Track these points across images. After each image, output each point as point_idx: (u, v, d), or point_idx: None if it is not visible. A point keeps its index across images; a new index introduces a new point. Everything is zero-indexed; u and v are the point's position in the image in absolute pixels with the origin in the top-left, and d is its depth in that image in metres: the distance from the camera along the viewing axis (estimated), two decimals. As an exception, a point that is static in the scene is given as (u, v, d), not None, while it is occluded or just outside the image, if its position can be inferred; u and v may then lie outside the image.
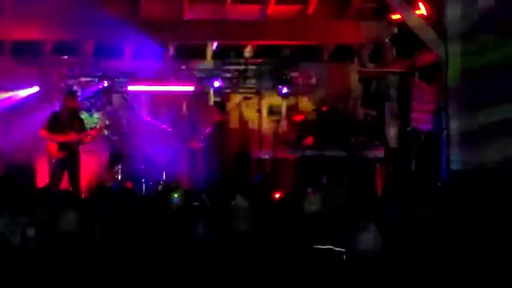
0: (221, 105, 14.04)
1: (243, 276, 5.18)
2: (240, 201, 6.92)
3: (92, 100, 14.58)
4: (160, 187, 12.64)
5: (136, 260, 5.34)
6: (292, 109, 14.25)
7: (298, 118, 13.46)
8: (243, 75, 15.11)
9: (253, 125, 14.87)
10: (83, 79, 14.55)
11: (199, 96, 14.88)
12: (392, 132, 14.12)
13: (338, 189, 8.48)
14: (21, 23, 13.80)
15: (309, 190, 8.33)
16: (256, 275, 5.22)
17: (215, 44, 14.95)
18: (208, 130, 13.68)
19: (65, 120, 12.64)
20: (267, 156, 13.01)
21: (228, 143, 13.93)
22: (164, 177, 13.87)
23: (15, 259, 5.42)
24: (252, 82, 15.22)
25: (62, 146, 12.55)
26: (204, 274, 5.17)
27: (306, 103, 14.72)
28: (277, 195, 9.42)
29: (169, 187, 10.35)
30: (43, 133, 12.69)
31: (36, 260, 5.44)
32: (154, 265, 5.30)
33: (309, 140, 12.68)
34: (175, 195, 8.39)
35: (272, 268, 5.36)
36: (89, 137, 12.82)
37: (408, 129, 13.27)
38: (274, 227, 6.51)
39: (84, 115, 13.64)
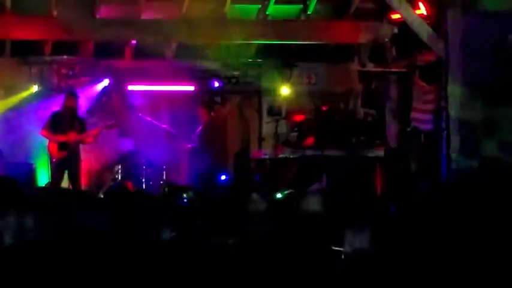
0: (208, 105, 14.01)
1: (245, 275, 5.18)
2: (258, 200, 6.89)
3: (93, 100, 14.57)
4: (167, 188, 12.61)
5: (153, 260, 5.35)
6: (293, 109, 14.25)
7: (299, 118, 13.44)
8: (243, 75, 15.11)
9: (253, 125, 14.87)
10: (83, 79, 14.53)
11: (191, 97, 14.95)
12: (392, 132, 14.13)
13: (338, 189, 8.48)
14: (21, 23, 13.81)
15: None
16: (257, 274, 5.23)
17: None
18: (198, 130, 13.69)
19: (65, 120, 12.65)
20: (267, 156, 12.99)
21: (220, 142, 13.93)
22: (164, 177, 13.90)
23: (10, 259, 5.42)
24: (252, 82, 15.22)
25: (62, 146, 12.56)
26: (209, 273, 5.18)
27: (306, 103, 14.72)
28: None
29: (178, 188, 10.36)
30: (43, 133, 12.70)
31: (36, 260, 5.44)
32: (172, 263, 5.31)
33: (310, 141, 12.67)
34: (185, 195, 8.41)
35: (272, 268, 5.36)
36: (89, 137, 12.83)
37: (408, 129, 13.27)
38: (275, 226, 6.51)
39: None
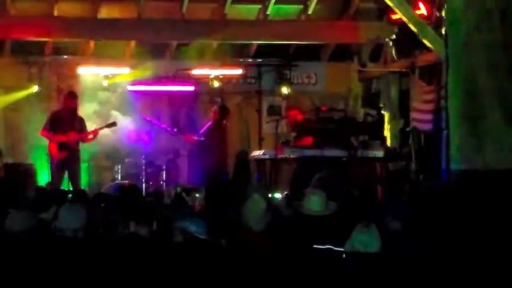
0: (223, 106, 14.03)
1: (246, 275, 5.19)
2: (258, 200, 6.90)
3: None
4: (178, 188, 12.57)
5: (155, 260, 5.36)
6: (293, 109, 14.24)
7: (299, 117, 13.42)
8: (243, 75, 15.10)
9: (253, 125, 14.87)
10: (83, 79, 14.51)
11: (200, 95, 14.95)
12: (392, 132, 14.13)
13: (338, 189, 8.46)
14: (21, 23, 13.81)
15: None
16: (257, 274, 5.23)
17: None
18: (206, 127, 13.69)
19: (65, 120, 12.65)
20: (267, 156, 12.97)
21: (225, 143, 13.92)
22: (164, 177, 13.89)
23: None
24: (252, 82, 15.22)
25: (62, 146, 12.56)
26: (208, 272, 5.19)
27: (306, 103, 14.74)
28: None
29: (189, 188, 10.37)
30: (44, 134, 12.70)
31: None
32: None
33: (308, 140, 12.64)
34: (197, 196, 8.42)
35: (273, 267, 5.36)
36: (90, 136, 12.84)
37: (408, 129, 13.26)
38: (275, 227, 6.51)
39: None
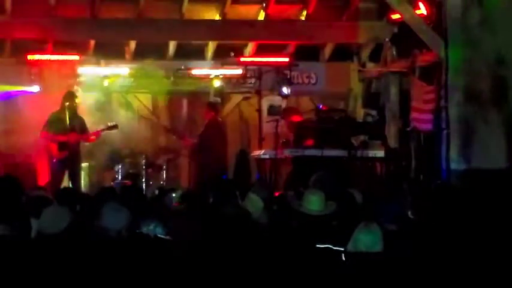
0: (213, 104, 14.05)
1: (246, 275, 5.19)
2: (255, 200, 6.89)
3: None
4: (156, 188, 12.57)
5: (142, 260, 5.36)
6: (290, 110, 14.23)
7: (296, 119, 13.42)
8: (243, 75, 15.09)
9: (253, 125, 14.86)
10: (83, 79, 14.50)
11: (200, 95, 14.96)
12: (392, 132, 14.11)
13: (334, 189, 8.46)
14: (21, 23, 13.81)
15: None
16: (258, 274, 5.23)
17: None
18: (204, 129, 13.71)
19: (65, 121, 12.65)
20: (267, 156, 12.97)
21: (223, 141, 13.92)
22: (164, 177, 13.90)
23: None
24: (252, 82, 15.21)
25: (62, 147, 12.56)
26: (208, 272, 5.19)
27: (306, 103, 14.72)
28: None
29: (167, 188, 10.34)
30: (44, 135, 12.70)
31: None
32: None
33: (309, 142, 12.64)
34: (174, 196, 8.40)
35: (273, 267, 5.36)
36: (91, 137, 12.84)
37: (408, 129, 13.25)
38: (275, 226, 6.52)
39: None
